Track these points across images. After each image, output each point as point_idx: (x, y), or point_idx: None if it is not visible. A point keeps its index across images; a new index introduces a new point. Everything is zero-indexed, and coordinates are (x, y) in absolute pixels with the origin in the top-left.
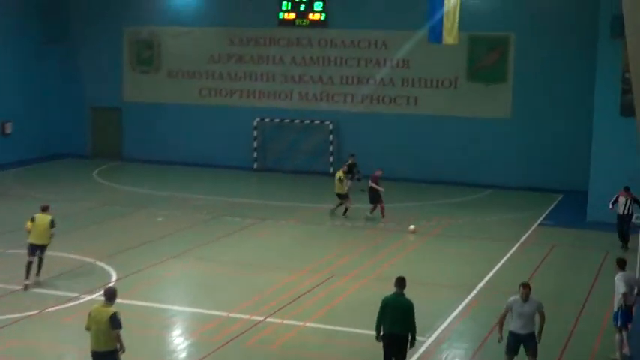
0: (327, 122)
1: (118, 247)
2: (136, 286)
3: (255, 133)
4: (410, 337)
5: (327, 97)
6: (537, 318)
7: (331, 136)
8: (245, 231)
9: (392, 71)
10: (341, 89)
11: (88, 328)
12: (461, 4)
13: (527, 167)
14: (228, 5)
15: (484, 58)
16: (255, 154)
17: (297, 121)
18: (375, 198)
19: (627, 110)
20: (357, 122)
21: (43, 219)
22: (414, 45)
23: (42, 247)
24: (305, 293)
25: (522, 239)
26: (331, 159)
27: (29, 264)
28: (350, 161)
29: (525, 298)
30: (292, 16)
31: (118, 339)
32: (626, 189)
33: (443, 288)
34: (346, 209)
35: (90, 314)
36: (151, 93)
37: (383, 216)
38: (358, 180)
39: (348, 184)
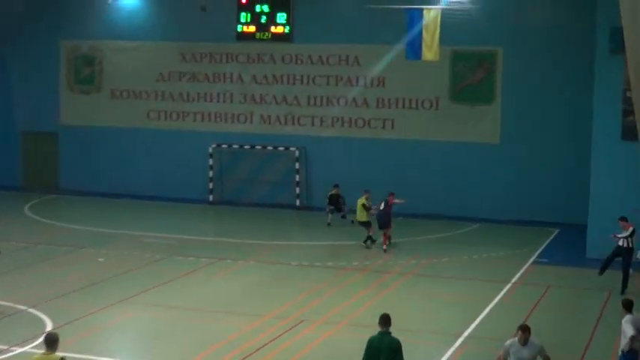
0: (293, 148)
1: (53, 292)
2: (73, 337)
3: (210, 161)
4: None
5: (293, 120)
6: None
7: (297, 164)
8: (200, 272)
9: (365, 91)
10: (308, 111)
11: None
12: (442, 16)
13: (518, 198)
14: (179, 17)
15: (469, 76)
16: (211, 185)
17: (258, 147)
18: (386, 222)
19: (629, 134)
20: (326, 148)
21: None
22: (390, 61)
23: None
24: (270, 342)
25: (514, 280)
26: (297, 190)
27: None
28: (333, 191)
29: (524, 342)
30: (252, 29)
31: None
32: (623, 219)
33: (426, 335)
34: (369, 238)
35: None
36: (91, 116)
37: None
38: (343, 217)
39: (329, 217)
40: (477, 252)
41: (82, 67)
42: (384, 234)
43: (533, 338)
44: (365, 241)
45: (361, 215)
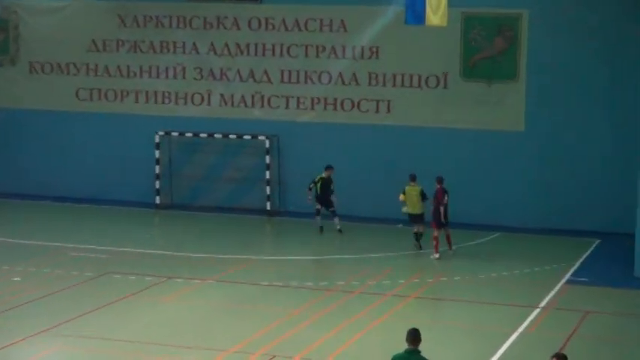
0: (262, 137)
1: None
2: None
3: (157, 154)
4: None
5: (262, 102)
6: None
7: (268, 158)
8: (144, 295)
9: (354, 64)
10: (281, 90)
11: None
12: None
13: (548, 200)
14: None
15: (486, 47)
16: (157, 184)
17: (218, 135)
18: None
19: None
20: (304, 137)
21: None
22: (385, 27)
23: None
24: None
25: (543, 304)
26: (268, 190)
27: None
28: (324, 175)
29: None
30: None
31: None
32: None
33: None
34: (419, 235)
35: None
36: (4, 95)
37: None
38: (333, 212)
39: (319, 219)
40: (497, 268)
41: None
42: (436, 237)
43: None
44: (418, 240)
45: (416, 206)
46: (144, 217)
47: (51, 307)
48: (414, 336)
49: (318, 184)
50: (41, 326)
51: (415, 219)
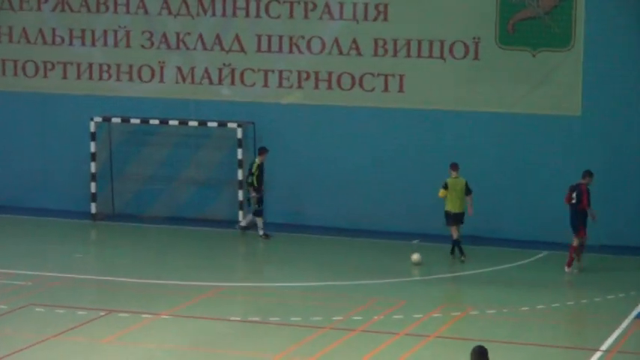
0: (233, 124)
1: None
2: None
3: (93, 146)
4: None
5: (232, 77)
6: None
7: (240, 151)
8: (76, 334)
9: (355, 27)
10: (258, 61)
11: None
12: None
13: (614, 207)
14: None
15: (530, 4)
16: (93, 187)
17: (173, 122)
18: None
19: None
20: (288, 125)
21: None
22: None
23: None
24: None
25: (607, 344)
26: (240, 193)
27: None
28: (258, 161)
29: None
30: None
31: None
32: None
33: None
34: (457, 245)
35: None
36: None
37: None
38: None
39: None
40: (545, 299)
41: None
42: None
43: None
44: (456, 251)
45: (456, 204)
46: (76, 231)
47: None
48: (480, 354)
49: (256, 174)
50: None
51: (456, 219)
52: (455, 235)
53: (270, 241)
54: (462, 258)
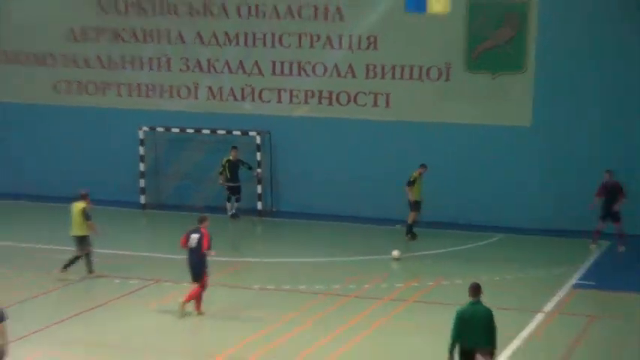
0: (253, 133)
1: None
2: None
3: (142, 151)
4: (491, 349)
5: (252, 95)
6: None
7: (259, 155)
8: (130, 298)
9: (351, 55)
10: (273, 82)
11: None
12: None
13: (556, 200)
14: None
15: (491, 36)
16: (142, 183)
17: (206, 131)
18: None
19: None
20: (297, 133)
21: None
22: (384, 14)
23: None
24: None
25: (548, 308)
26: (259, 189)
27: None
28: (230, 157)
29: None
30: None
31: None
32: None
33: None
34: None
35: None
36: None
37: None
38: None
39: (230, 205)
40: (500, 272)
41: None
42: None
43: None
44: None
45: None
46: (129, 218)
47: (33, 311)
48: (475, 289)
49: (226, 167)
50: (23, 331)
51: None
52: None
53: (286, 225)
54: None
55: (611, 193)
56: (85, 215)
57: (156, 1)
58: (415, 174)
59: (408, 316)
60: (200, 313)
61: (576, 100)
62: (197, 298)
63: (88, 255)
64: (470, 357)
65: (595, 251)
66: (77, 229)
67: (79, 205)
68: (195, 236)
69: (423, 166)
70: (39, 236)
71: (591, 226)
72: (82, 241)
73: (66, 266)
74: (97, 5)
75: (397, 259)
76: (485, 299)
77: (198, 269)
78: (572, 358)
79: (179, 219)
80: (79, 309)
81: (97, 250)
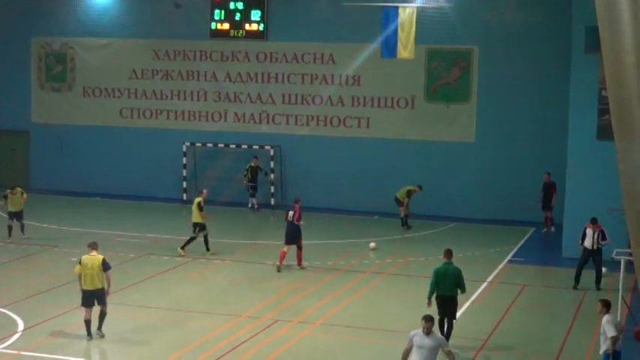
0: (268, 147)
1: (25, 292)
2: (46, 337)
3: (184, 160)
4: (460, 292)
5: (268, 119)
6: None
7: (272, 163)
8: (174, 272)
9: (341, 89)
10: (283, 109)
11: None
12: (418, 14)
13: (494, 197)
14: (153, 14)
15: (444, 75)
16: (184, 184)
17: (232, 145)
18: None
19: (604, 133)
20: (301, 147)
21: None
22: (365, 59)
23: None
24: (244, 342)
25: (489, 279)
26: (272, 188)
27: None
28: (252, 163)
29: (427, 331)
30: (226, 26)
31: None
32: (593, 221)
33: (402, 335)
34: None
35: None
36: (63, 113)
37: None
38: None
39: (253, 200)
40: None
41: (54, 64)
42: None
43: (437, 330)
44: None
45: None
46: (174, 211)
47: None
48: (448, 253)
49: (249, 171)
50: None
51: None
52: (404, 213)
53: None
54: (406, 227)
55: (548, 189)
56: (199, 207)
57: (196, 50)
58: (413, 189)
59: (384, 285)
60: (302, 267)
61: (508, 122)
62: (299, 252)
63: (205, 237)
64: (443, 300)
65: (545, 234)
66: (194, 217)
67: (197, 199)
68: (291, 213)
69: (419, 186)
70: (108, 225)
71: (521, 216)
72: (198, 226)
73: (186, 243)
74: (152, 52)
75: (374, 250)
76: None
77: (292, 235)
78: (508, 317)
79: (211, 211)
80: (136, 279)
81: (150, 235)
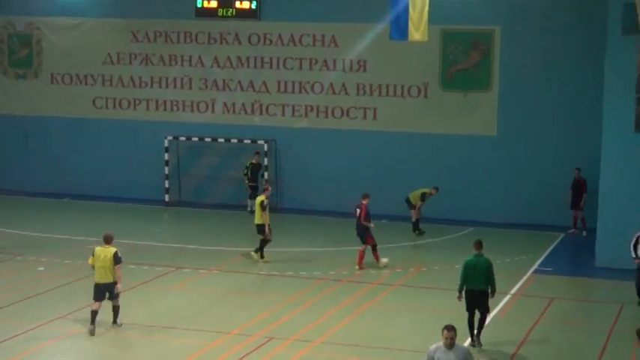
0: (261, 141)
1: None
2: (12, 356)
3: (166, 156)
4: (490, 290)
5: (261, 109)
6: None
7: (266, 159)
8: (155, 283)
9: (344, 76)
10: (278, 99)
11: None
12: None
13: (518, 198)
14: None
15: (462, 60)
16: (167, 184)
17: (221, 139)
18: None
19: None
20: (299, 141)
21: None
22: (372, 42)
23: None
24: None
25: (513, 291)
26: None
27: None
28: (254, 160)
29: (450, 345)
30: (214, 4)
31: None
32: None
33: (414, 355)
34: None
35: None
36: (28, 103)
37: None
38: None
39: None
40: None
41: (18, 48)
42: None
43: (459, 343)
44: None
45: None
46: (154, 213)
47: (71, 294)
48: (478, 244)
49: (250, 169)
50: (61, 312)
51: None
52: (416, 217)
53: (289, 220)
54: (418, 232)
55: (578, 186)
56: (262, 206)
57: (180, 31)
58: (428, 191)
59: (393, 298)
60: (382, 265)
61: (534, 112)
62: (374, 252)
63: (262, 241)
64: (474, 295)
65: (576, 236)
66: (257, 218)
67: (259, 198)
68: (358, 210)
69: (435, 188)
70: (80, 230)
71: (549, 220)
72: (260, 228)
73: (257, 250)
74: (130, 34)
75: (385, 266)
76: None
77: (359, 233)
78: (533, 334)
79: (197, 215)
80: None
81: (127, 242)
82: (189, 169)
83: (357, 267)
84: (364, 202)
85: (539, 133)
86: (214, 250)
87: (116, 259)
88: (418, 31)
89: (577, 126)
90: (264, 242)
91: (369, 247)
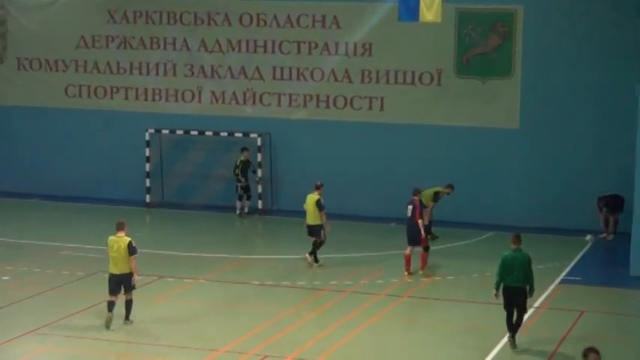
0: (254, 135)
1: None
2: None
3: (147, 151)
4: (529, 289)
5: (254, 99)
6: None
7: (259, 155)
8: (135, 293)
9: (347, 61)
10: (273, 87)
11: None
12: None
13: (542, 199)
14: None
15: (480, 43)
16: (148, 182)
17: (209, 132)
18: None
19: None
20: (296, 135)
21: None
22: (378, 23)
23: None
24: None
25: (537, 303)
26: (260, 188)
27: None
28: (242, 157)
29: None
30: None
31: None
32: None
33: None
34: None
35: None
36: None
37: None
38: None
39: (241, 204)
40: (491, 268)
41: None
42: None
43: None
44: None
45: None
46: (134, 216)
47: (40, 306)
48: (517, 238)
49: (240, 167)
50: (30, 326)
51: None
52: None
53: (286, 223)
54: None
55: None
56: (319, 205)
57: (162, 11)
58: (442, 190)
59: (402, 311)
60: (425, 273)
61: (561, 103)
62: (424, 254)
63: (316, 242)
64: (511, 292)
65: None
66: (311, 219)
67: (313, 197)
68: (410, 207)
69: (450, 186)
70: (49, 235)
71: (577, 224)
72: (314, 230)
73: (311, 253)
74: (106, 14)
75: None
76: (477, 295)
77: (412, 234)
78: (561, 351)
79: (182, 217)
80: (86, 304)
81: (104, 248)
82: (173, 167)
83: (405, 273)
84: (415, 198)
85: (568, 126)
86: (201, 256)
87: (131, 249)
88: (430, 10)
89: (610, 118)
90: (318, 245)
91: (413, 249)
